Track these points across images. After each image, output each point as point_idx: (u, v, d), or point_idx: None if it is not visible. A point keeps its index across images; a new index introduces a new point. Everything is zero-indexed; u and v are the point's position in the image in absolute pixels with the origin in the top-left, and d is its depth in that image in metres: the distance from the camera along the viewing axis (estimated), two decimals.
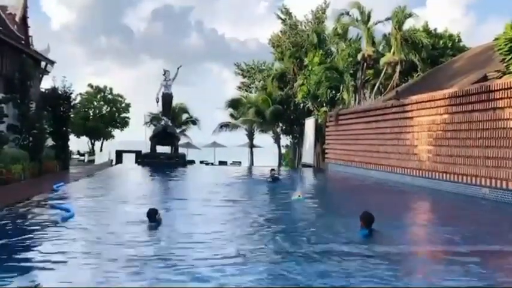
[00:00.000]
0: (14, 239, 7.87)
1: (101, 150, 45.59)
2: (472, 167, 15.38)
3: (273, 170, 20.42)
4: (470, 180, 15.41)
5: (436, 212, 12.70)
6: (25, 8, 24.19)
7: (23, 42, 22.56)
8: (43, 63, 24.83)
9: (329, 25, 35.93)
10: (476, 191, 14.97)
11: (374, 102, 26.18)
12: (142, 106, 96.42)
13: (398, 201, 14.85)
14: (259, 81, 43.63)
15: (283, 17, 39.72)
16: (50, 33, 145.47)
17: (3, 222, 9.25)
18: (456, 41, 32.03)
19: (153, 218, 9.17)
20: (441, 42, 31.20)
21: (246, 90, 44.59)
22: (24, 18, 24.08)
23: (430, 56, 29.97)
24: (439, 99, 17.60)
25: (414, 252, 7.74)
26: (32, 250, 7.28)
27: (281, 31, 39.74)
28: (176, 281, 5.65)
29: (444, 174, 16.89)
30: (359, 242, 7.83)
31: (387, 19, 29.31)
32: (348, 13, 30.30)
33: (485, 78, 17.02)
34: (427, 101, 18.40)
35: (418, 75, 29.13)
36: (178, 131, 36.48)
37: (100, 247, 7.58)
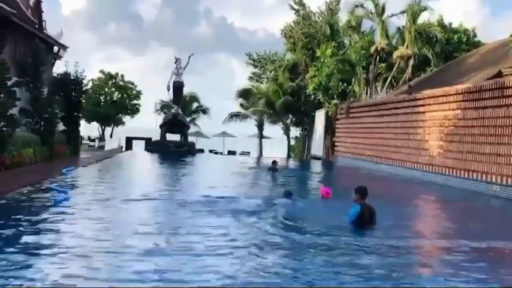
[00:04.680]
0: (21, 222, 7.94)
1: (111, 136, 45.93)
2: (483, 163, 15.24)
3: (274, 161, 20.34)
4: (481, 177, 15.28)
5: (443, 209, 12.61)
6: None
7: (36, 26, 22.63)
8: (56, 48, 24.91)
9: (342, 17, 35.71)
10: (487, 188, 14.84)
11: (386, 95, 26.00)
12: (151, 93, 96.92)
13: (407, 196, 14.76)
14: (271, 72, 43.49)
15: (296, 7, 39.42)
16: (61, 19, 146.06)
17: (12, 205, 9.33)
18: (471, 36, 31.65)
19: (290, 196, 10.45)
20: (456, 37, 30.85)
21: (257, 81, 44.50)
22: (38, 2, 24.15)
23: (444, 51, 29.67)
24: (452, 95, 17.42)
25: (414, 246, 7.68)
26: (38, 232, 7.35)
27: (294, 22, 39.48)
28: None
29: (455, 170, 16.76)
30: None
31: (402, 12, 29.03)
32: (362, 5, 30.06)
33: (499, 75, 16.81)
34: (440, 96, 18.23)
35: (431, 69, 28.85)
36: (188, 119, 36.54)
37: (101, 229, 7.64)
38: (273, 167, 19.22)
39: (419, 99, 19.87)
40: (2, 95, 15.44)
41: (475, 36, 31.90)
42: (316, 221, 9.17)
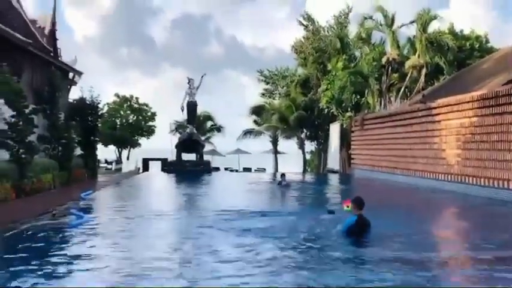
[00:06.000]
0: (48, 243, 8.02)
1: (128, 158, 46.33)
2: (503, 170, 14.98)
3: (283, 175, 20.43)
4: (502, 185, 15.01)
5: (467, 218, 12.39)
6: (53, 21, 24.86)
7: (51, 54, 23.15)
8: (71, 74, 25.40)
9: (352, 30, 35.82)
10: (509, 195, 14.55)
11: (400, 106, 25.84)
12: (166, 114, 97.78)
13: (429, 206, 14.55)
14: (283, 88, 43.66)
15: (305, 23, 39.69)
16: (74, 45, 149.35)
17: (34, 230, 9.42)
18: (483, 42, 31.43)
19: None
20: (468, 43, 30.66)
21: (270, 97, 44.67)
22: (52, 31, 24.75)
23: (457, 58, 29.48)
24: (468, 102, 17.24)
25: (440, 258, 7.55)
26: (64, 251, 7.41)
27: (304, 37, 39.71)
28: None
29: (474, 178, 16.50)
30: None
31: (412, 22, 29.00)
32: (371, 17, 30.14)
33: None
34: (455, 104, 18.06)
35: (444, 78, 28.64)
36: (203, 138, 36.74)
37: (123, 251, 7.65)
38: (281, 181, 19.20)
39: (434, 108, 19.70)
40: (21, 123, 15.74)
41: (487, 42, 31.67)
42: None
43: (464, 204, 15.01)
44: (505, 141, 15.05)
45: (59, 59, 24.45)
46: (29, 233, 9.04)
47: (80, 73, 25.79)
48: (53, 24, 24.79)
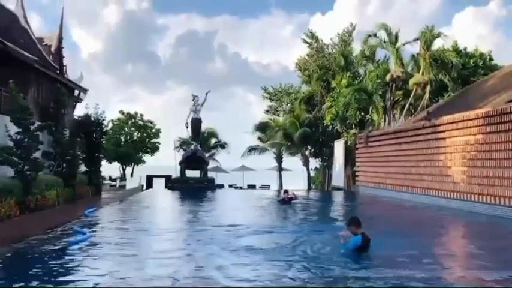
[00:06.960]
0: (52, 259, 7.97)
1: (132, 175, 46.33)
2: (509, 188, 14.85)
3: (286, 191, 20.37)
4: (508, 202, 14.86)
5: (474, 236, 12.25)
6: (60, 39, 25.16)
7: (57, 71, 23.37)
8: (76, 91, 25.59)
9: (356, 47, 36.02)
10: None
11: (404, 123, 25.81)
12: (170, 131, 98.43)
13: (438, 224, 14.41)
14: (287, 104, 43.76)
15: (309, 40, 39.96)
16: (80, 62, 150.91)
17: (40, 248, 9.37)
18: (487, 59, 31.51)
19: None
20: (472, 61, 30.74)
21: (274, 114, 44.76)
22: (59, 48, 25.03)
23: (461, 76, 29.52)
24: (472, 119, 17.20)
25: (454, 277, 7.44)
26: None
27: (307, 54, 39.95)
28: None
29: (480, 196, 16.36)
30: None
31: (415, 39, 29.12)
32: (375, 35, 30.30)
33: None
34: (460, 121, 18.01)
35: (449, 95, 28.65)
36: (207, 155, 36.71)
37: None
38: (284, 198, 19.10)
39: (439, 125, 19.66)
40: (26, 140, 15.81)
41: (491, 59, 31.74)
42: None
43: (469, 223, 14.84)
44: (510, 158, 14.96)
45: (65, 76, 24.68)
46: (30, 249, 8.99)
47: (85, 90, 25.99)
48: (60, 41, 25.09)
